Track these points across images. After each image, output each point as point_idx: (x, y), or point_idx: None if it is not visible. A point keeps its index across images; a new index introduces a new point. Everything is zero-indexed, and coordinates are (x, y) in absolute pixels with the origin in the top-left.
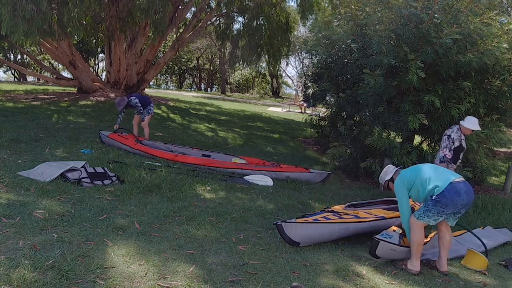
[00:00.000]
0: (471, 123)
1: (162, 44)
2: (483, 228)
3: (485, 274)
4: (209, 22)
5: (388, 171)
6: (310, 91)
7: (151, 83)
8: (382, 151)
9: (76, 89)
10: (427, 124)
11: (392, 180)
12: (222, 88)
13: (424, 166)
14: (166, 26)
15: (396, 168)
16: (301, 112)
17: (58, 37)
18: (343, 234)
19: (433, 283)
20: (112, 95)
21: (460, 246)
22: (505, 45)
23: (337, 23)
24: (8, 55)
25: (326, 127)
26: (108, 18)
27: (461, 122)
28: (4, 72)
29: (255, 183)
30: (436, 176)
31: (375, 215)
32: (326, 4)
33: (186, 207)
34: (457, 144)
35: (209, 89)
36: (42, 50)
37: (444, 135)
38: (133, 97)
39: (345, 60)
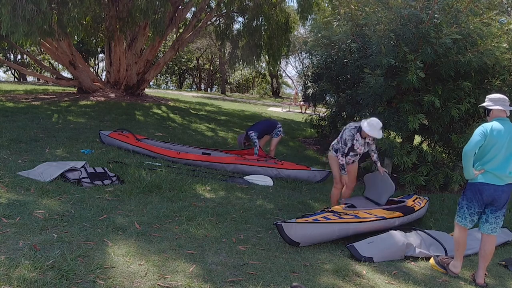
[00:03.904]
0: (369, 127)
1: (162, 44)
2: None
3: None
4: (209, 22)
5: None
6: (310, 91)
7: (151, 83)
8: (382, 151)
9: (76, 89)
10: (427, 124)
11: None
12: (222, 88)
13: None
14: (166, 26)
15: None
16: (301, 112)
17: (58, 37)
18: (343, 234)
19: (433, 283)
20: (112, 95)
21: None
22: (505, 45)
23: (337, 23)
24: (8, 55)
25: (326, 127)
26: (108, 18)
27: (362, 122)
28: (4, 72)
29: (255, 183)
30: (500, 162)
31: (375, 215)
32: (326, 4)
33: (186, 207)
34: (349, 145)
35: (209, 89)
36: (42, 50)
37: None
38: (251, 131)
39: (345, 60)
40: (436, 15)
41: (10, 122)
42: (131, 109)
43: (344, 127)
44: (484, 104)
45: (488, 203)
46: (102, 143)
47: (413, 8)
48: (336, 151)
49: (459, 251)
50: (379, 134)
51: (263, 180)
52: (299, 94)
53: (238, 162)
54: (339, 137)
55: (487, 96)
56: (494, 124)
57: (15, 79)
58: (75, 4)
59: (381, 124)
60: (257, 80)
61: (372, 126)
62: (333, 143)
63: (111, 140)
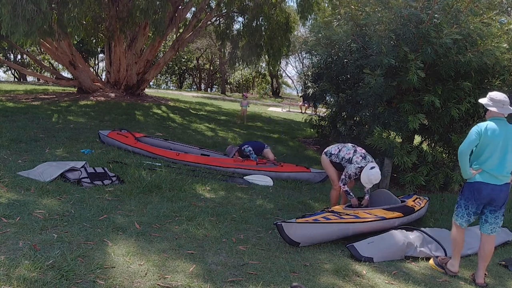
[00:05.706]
0: (369, 182)
1: (162, 44)
2: None
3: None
4: (209, 22)
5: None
6: (310, 91)
7: (151, 83)
8: (382, 151)
9: (76, 89)
10: (427, 124)
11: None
12: (222, 88)
13: (508, 140)
14: (166, 26)
15: None
16: (301, 112)
17: (58, 37)
18: (343, 234)
19: (433, 283)
20: (112, 95)
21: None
22: (505, 45)
23: (337, 23)
24: (8, 55)
25: (326, 127)
26: (108, 18)
27: (367, 166)
28: (4, 72)
29: (255, 183)
30: (496, 162)
31: (375, 215)
32: (326, 4)
33: (186, 207)
34: (352, 177)
35: (209, 89)
36: (42, 50)
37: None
38: (246, 145)
39: (345, 60)
40: (436, 15)
41: (10, 122)
42: (131, 109)
43: (347, 150)
44: (483, 102)
45: (486, 202)
46: (102, 143)
47: (413, 8)
48: (330, 155)
49: (456, 250)
50: (369, 186)
51: (263, 180)
52: (300, 95)
53: (237, 166)
54: (336, 148)
55: (489, 93)
56: (489, 124)
57: (15, 79)
58: (75, 4)
59: (378, 180)
60: (257, 80)
61: (370, 182)
62: (328, 149)
63: (110, 139)
